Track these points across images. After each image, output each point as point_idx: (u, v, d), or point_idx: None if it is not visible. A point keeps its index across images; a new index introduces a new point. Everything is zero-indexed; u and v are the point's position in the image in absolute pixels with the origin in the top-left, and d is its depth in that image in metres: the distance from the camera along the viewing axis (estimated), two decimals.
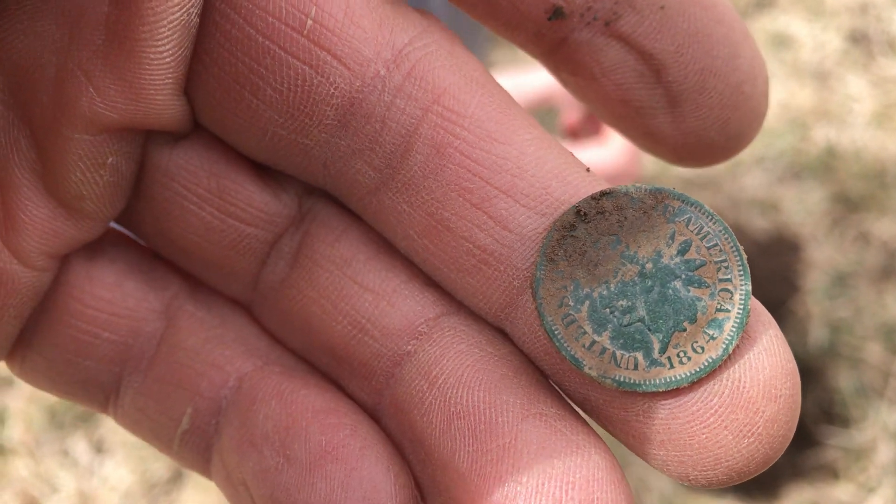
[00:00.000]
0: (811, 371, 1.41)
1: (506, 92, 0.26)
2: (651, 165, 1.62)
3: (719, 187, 1.60)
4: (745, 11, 1.76)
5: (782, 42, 1.74)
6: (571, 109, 1.01)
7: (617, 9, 0.26)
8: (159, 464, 1.38)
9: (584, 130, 1.06)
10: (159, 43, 0.24)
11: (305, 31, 0.25)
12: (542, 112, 1.01)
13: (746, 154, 1.63)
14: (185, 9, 0.24)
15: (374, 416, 0.27)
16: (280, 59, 0.25)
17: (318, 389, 0.27)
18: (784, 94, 1.70)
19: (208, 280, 0.29)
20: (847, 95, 1.68)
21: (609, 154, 0.98)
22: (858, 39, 1.75)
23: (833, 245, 1.52)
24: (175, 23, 0.24)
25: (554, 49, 0.27)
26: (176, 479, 1.36)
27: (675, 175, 1.61)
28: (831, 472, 1.34)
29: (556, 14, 0.26)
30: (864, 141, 1.62)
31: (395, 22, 0.26)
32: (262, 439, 0.27)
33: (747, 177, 1.61)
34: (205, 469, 0.29)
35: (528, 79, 0.95)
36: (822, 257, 1.50)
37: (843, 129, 1.64)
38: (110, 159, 0.26)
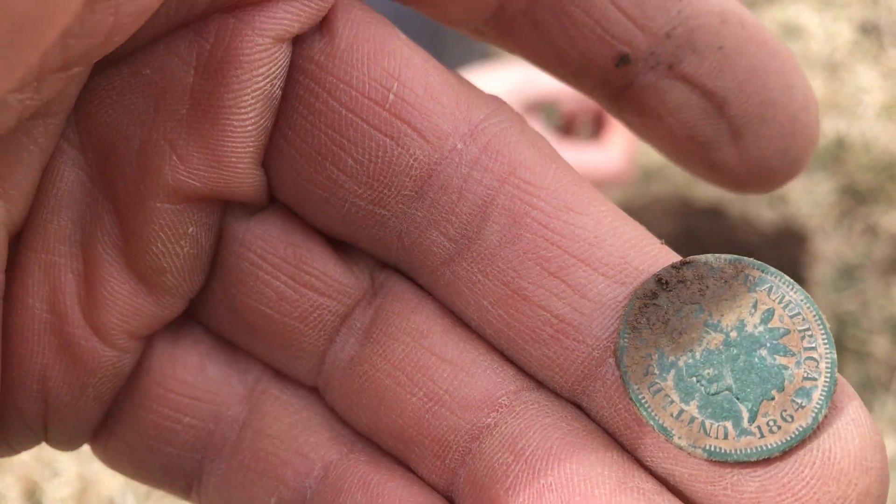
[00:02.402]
0: None
1: (573, 168, 0.27)
2: (657, 157, 1.61)
3: None
4: (755, 1, 1.76)
5: (792, 32, 1.73)
6: (570, 104, 1.02)
7: (678, 52, 0.27)
8: None
9: (582, 127, 1.08)
10: (242, 111, 0.25)
11: (388, 105, 0.26)
12: (545, 106, 1.01)
13: None
14: (269, 79, 0.25)
15: (447, 498, 0.27)
16: (362, 131, 0.26)
17: (405, 481, 0.27)
18: None
19: (275, 363, 0.29)
20: (857, 87, 1.68)
21: (606, 157, 1.00)
22: (869, 30, 1.75)
23: (841, 237, 1.52)
24: (259, 92, 0.25)
25: (620, 93, 0.28)
26: None
27: (677, 170, 1.60)
28: None
29: (623, 60, 0.27)
30: (874, 133, 1.61)
31: (471, 99, 0.26)
32: None
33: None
34: None
35: (530, 74, 0.96)
36: (830, 250, 1.50)
37: (853, 121, 1.64)
38: (191, 229, 0.27)
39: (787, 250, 1.50)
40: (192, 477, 0.29)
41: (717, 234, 1.52)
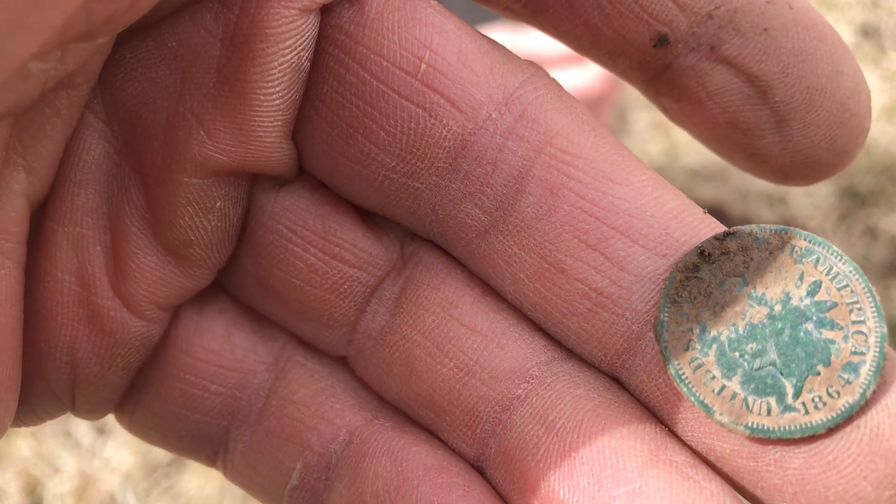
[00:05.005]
0: None
1: (614, 136, 0.26)
2: (658, 157, 1.61)
3: (727, 180, 1.60)
4: None
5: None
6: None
7: (721, 33, 0.26)
8: None
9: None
10: (269, 85, 0.25)
11: (419, 75, 0.25)
12: None
13: None
14: (296, 51, 0.24)
15: (477, 468, 0.27)
16: (394, 102, 0.25)
17: (430, 446, 0.27)
18: None
19: (305, 334, 0.29)
20: None
21: (589, 76, 0.93)
22: (869, 33, 1.75)
23: (840, 239, 1.52)
24: (286, 65, 0.24)
25: (658, 76, 0.27)
26: (177, 463, 1.36)
27: (681, 166, 1.61)
28: None
29: (662, 41, 0.26)
30: (874, 135, 1.61)
31: (506, 67, 0.26)
32: (372, 498, 0.26)
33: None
34: None
35: (517, 39, 0.89)
36: None
37: None
38: (219, 203, 0.26)
39: None
40: (218, 444, 0.29)
41: None
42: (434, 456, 0.27)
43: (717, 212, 1.55)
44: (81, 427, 1.37)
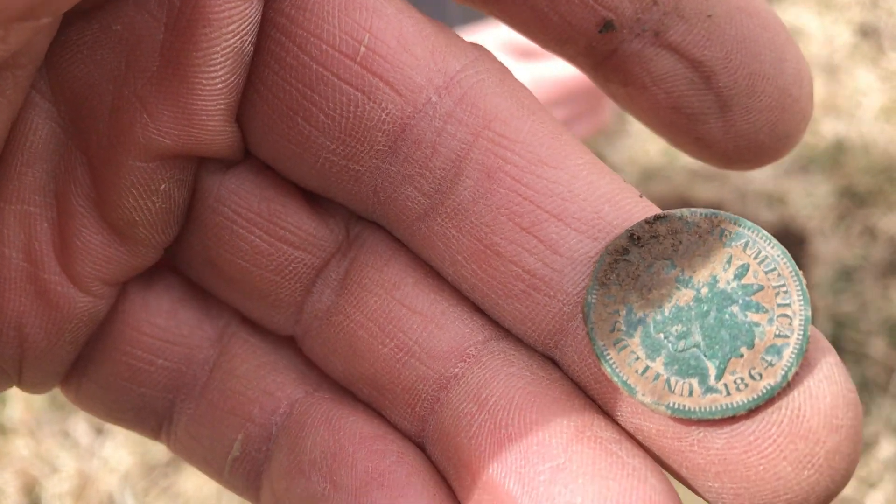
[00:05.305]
0: None
1: (556, 120, 0.26)
2: (658, 157, 1.61)
3: (726, 179, 1.60)
4: None
5: (791, 35, 1.73)
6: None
7: (665, 19, 0.26)
8: (159, 447, 1.38)
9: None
10: (212, 69, 0.25)
11: (358, 58, 0.25)
12: None
13: None
14: (239, 35, 0.25)
15: (417, 444, 0.27)
16: (333, 85, 0.25)
17: (366, 416, 0.27)
18: None
19: (252, 313, 0.29)
20: (856, 89, 1.68)
21: (570, 68, 0.91)
22: (868, 33, 1.75)
23: (839, 239, 1.51)
24: (229, 49, 0.25)
25: (604, 61, 0.27)
26: (175, 463, 1.36)
27: (680, 166, 1.61)
28: None
29: (607, 27, 0.26)
30: (873, 135, 1.61)
31: (448, 50, 0.26)
32: (309, 466, 0.27)
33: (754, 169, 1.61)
34: (255, 496, 0.29)
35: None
36: (828, 251, 1.50)
37: (852, 124, 1.64)
38: (163, 186, 0.27)
39: None
40: (162, 417, 0.30)
41: None
42: (371, 425, 0.27)
43: None
44: (80, 427, 1.38)
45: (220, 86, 0.25)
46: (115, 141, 0.26)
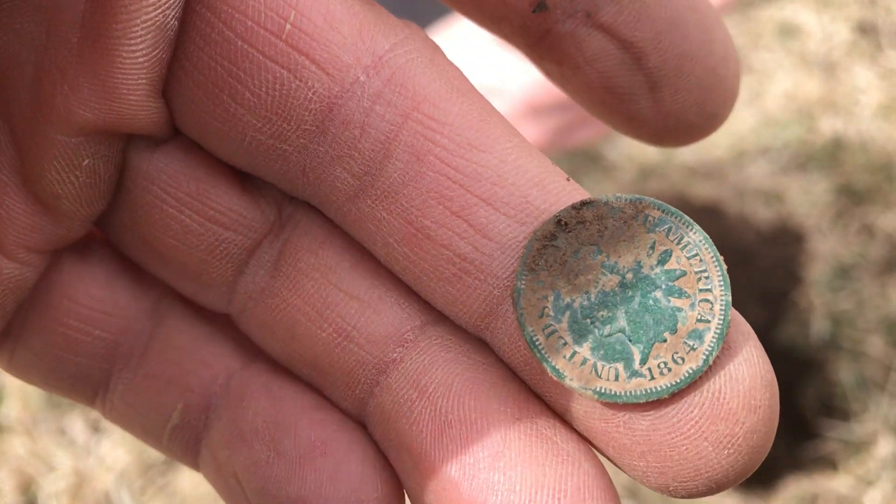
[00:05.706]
0: (812, 363, 1.41)
1: (486, 101, 0.26)
2: (656, 155, 1.61)
3: (724, 177, 1.59)
4: (752, 0, 1.76)
5: (790, 32, 1.73)
6: None
7: (597, 1, 0.26)
8: None
9: None
10: (132, 42, 0.24)
11: (284, 36, 0.25)
12: None
13: (752, 144, 1.62)
14: (160, 9, 0.24)
15: (359, 422, 0.28)
16: (258, 62, 0.25)
17: (306, 387, 0.28)
18: (790, 85, 1.69)
19: (185, 290, 0.29)
20: (854, 87, 1.67)
21: None
22: (867, 30, 1.74)
23: (837, 237, 1.51)
24: (149, 22, 0.24)
25: (538, 41, 0.27)
26: (172, 462, 1.37)
27: (679, 164, 1.61)
28: (830, 465, 1.34)
29: (540, 7, 0.27)
30: (871, 133, 1.61)
31: (377, 29, 0.26)
32: (252, 434, 0.27)
33: (752, 167, 1.61)
34: (192, 462, 0.30)
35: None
36: (826, 249, 1.50)
37: (850, 121, 1.63)
38: (86, 161, 0.26)
39: (783, 249, 1.49)
40: (98, 385, 0.30)
41: (713, 233, 1.50)
42: (311, 395, 0.28)
43: (713, 210, 1.55)
44: (76, 425, 1.38)
45: (141, 59, 0.25)
46: (36, 112, 0.26)
